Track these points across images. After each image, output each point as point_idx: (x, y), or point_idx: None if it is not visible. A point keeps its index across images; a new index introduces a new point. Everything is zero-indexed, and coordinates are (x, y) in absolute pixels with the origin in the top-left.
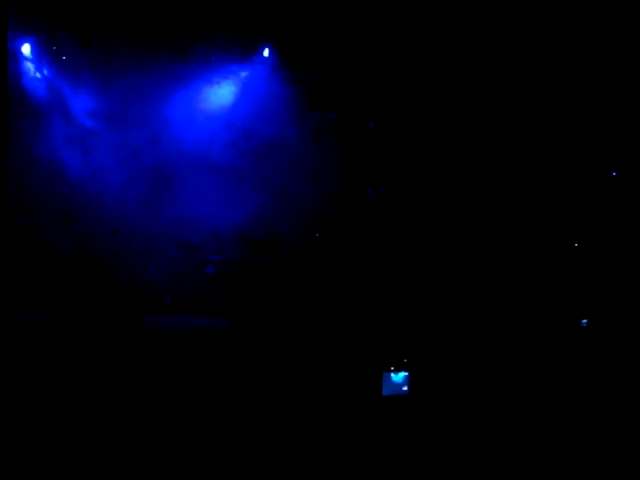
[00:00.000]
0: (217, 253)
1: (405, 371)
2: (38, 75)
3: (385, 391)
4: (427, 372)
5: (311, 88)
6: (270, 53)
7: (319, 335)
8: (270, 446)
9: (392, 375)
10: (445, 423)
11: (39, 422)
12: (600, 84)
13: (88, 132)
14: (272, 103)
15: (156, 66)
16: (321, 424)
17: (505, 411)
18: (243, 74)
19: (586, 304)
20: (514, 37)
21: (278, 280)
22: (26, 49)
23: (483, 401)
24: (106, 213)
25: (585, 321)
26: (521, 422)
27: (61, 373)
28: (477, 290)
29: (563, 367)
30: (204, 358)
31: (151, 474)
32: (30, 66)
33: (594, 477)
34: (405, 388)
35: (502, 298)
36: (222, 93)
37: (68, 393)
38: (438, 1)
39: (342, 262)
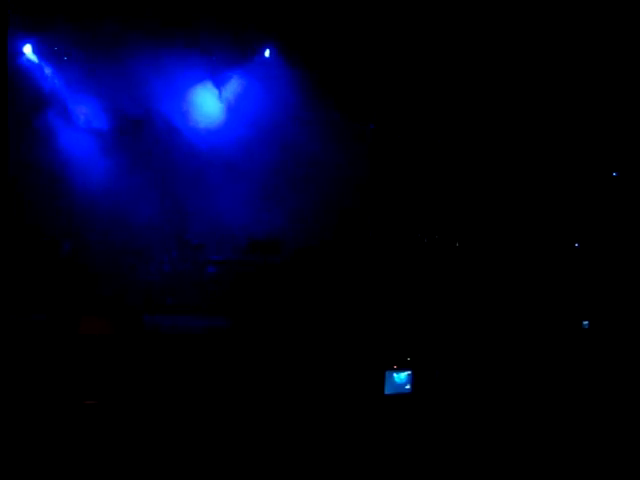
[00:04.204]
0: (219, 253)
1: (408, 370)
2: (47, 74)
3: (387, 389)
4: (430, 371)
5: (320, 87)
6: (279, 53)
7: (322, 334)
8: (272, 444)
9: (394, 374)
10: (448, 422)
11: (39, 421)
12: (600, 84)
13: (92, 133)
14: (282, 102)
15: (160, 65)
16: (323, 422)
17: (507, 410)
18: (236, 81)
19: (587, 305)
20: (517, 39)
21: (280, 280)
22: (27, 49)
23: (485, 400)
24: (108, 212)
25: (586, 322)
26: (523, 421)
27: (62, 373)
28: (480, 291)
29: (564, 367)
30: (206, 358)
31: (151, 473)
32: (32, 65)
33: (594, 477)
34: (408, 387)
35: (504, 299)
36: (230, 92)
37: (69, 393)
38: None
39: (345, 262)
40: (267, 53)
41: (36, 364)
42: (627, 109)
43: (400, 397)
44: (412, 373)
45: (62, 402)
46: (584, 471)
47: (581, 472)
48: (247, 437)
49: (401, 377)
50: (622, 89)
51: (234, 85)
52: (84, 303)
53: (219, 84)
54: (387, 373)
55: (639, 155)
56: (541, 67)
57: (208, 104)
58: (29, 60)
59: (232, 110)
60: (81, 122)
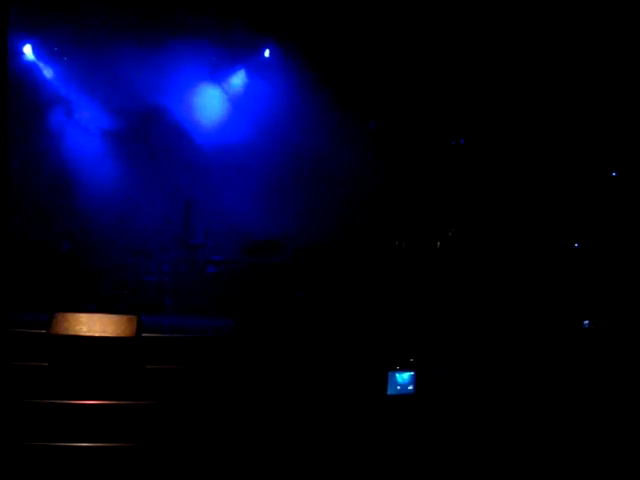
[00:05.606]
0: (219, 253)
1: (411, 370)
2: (48, 74)
3: (390, 390)
4: (433, 371)
5: (325, 86)
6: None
7: (324, 334)
8: (274, 445)
9: (397, 374)
10: (451, 423)
11: (39, 421)
12: (600, 84)
13: (94, 132)
14: (287, 101)
15: (162, 64)
16: (325, 423)
17: (509, 411)
18: (240, 80)
19: (588, 305)
20: (519, 40)
21: (282, 280)
22: (27, 50)
23: (488, 401)
24: (108, 212)
25: (587, 322)
26: (525, 422)
27: (62, 374)
28: (481, 291)
29: (565, 367)
30: (206, 359)
31: (151, 474)
32: (33, 66)
33: (594, 477)
34: (411, 387)
35: (505, 299)
36: (234, 91)
37: (69, 394)
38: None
39: (349, 262)
40: (267, 53)
41: (36, 365)
42: (627, 109)
43: (403, 398)
44: (415, 374)
45: (61, 403)
46: (586, 471)
47: (583, 472)
48: (248, 437)
49: (404, 377)
50: (622, 89)
51: (237, 84)
52: (84, 303)
53: (223, 83)
54: (390, 373)
55: (639, 155)
56: (542, 67)
57: (212, 103)
58: (29, 60)
59: (237, 109)
60: (82, 122)
